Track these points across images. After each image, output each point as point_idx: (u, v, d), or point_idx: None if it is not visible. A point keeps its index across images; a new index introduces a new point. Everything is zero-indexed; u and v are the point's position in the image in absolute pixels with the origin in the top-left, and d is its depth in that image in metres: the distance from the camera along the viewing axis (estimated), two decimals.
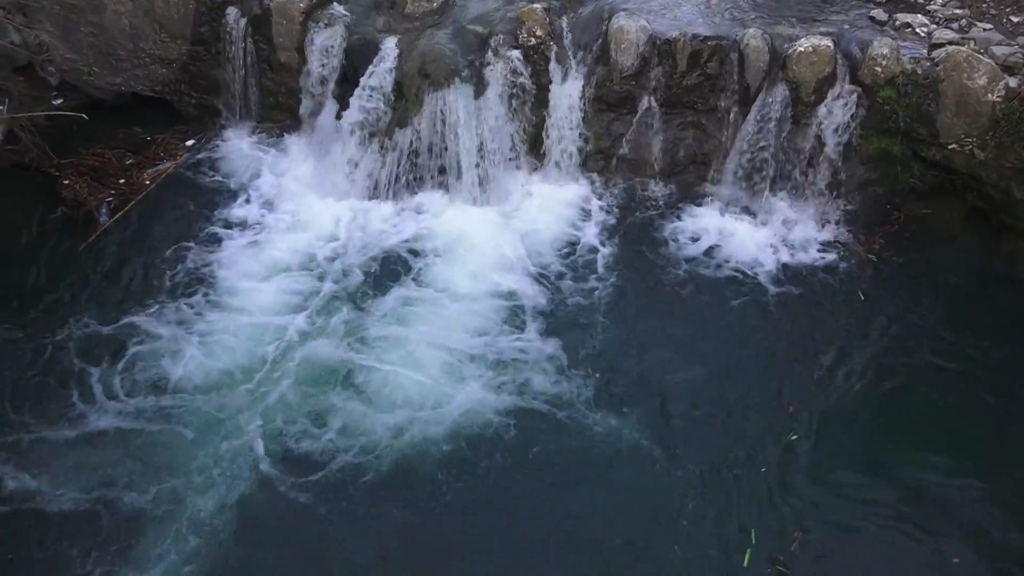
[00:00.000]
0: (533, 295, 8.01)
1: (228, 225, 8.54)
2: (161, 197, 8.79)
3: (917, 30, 8.42)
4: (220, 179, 9.03)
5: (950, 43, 8.10)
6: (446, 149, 8.69)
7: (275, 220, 8.62)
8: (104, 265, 8.16)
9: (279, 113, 9.39)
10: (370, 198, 8.84)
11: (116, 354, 7.30)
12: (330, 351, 7.36)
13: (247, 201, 8.81)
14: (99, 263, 8.17)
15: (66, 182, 8.83)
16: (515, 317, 7.79)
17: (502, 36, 8.63)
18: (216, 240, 8.36)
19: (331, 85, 8.88)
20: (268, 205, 8.80)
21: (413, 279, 8.10)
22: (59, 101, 9.46)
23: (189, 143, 9.39)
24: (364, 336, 7.52)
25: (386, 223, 8.66)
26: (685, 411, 7.09)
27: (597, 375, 7.30)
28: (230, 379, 7.09)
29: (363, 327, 7.59)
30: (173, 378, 7.09)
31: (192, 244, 8.33)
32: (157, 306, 7.71)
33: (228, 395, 6.94)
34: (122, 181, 8.95)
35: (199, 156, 9.25)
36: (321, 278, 8.02)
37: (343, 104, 8.80)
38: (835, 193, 8.66)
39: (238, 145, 9.33)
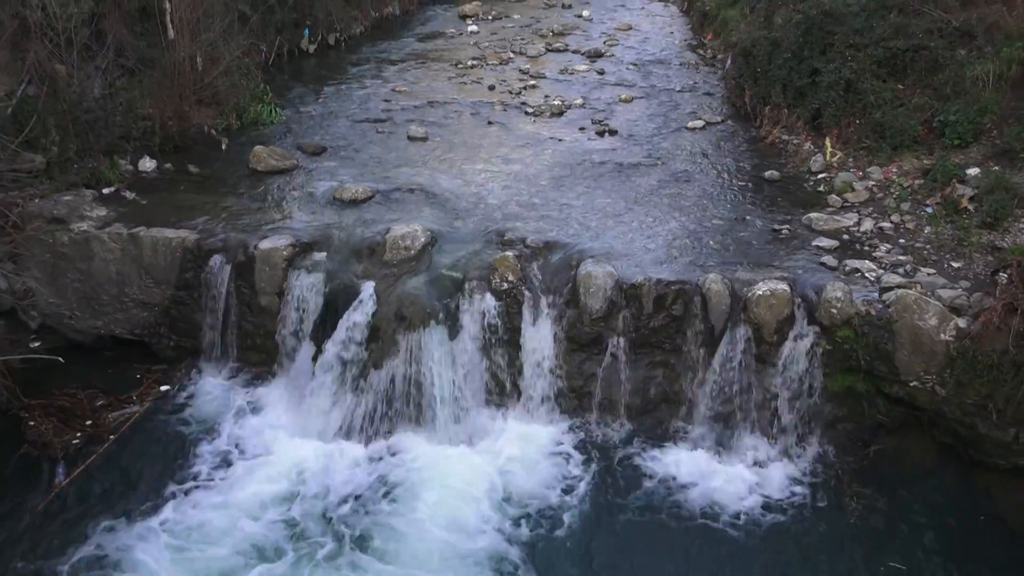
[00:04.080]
0: (510, 544, 7.76)
1: (193, 476, 8.27)
2: (128, 445, 8.56)
3: (866, 274, 8.89)
4: (190, 423, 8.86)
5: (898, 286, 8.55)
6: (421, 390, 8.72)
7: (246, 467, 8.41)
8: (57, 530, 7.65)
9: (256, 355, 9.48)
10: (345, 439, 8.74)
11: None
12: None
13: (218, 446, 8.67)
14: (52, 527, 7.68)
15: (31, 423, 8.68)
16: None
17: (476, 281, 8.93)
18: (176, 495, 8.03)
19: (309, 327, 9.05)
20: (240, 450, 8.65)
21: (384, 529, 7.79)
22: (37, 344, 9.55)
23: (164, 388, 9.36)
24: None
25: (360, 466, 8.50)
26: None
27: None
28: None
29: None
30: None
31: (152, 502, 7.99)
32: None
33: None
34: (88, 423, 8.80)
35: (172, 398, 9.17)
36: (290, 532, 7.72)
37: (320, 346, 8.92)
38: (805, 430, 8.72)
39: (213, 386, 9.33)
